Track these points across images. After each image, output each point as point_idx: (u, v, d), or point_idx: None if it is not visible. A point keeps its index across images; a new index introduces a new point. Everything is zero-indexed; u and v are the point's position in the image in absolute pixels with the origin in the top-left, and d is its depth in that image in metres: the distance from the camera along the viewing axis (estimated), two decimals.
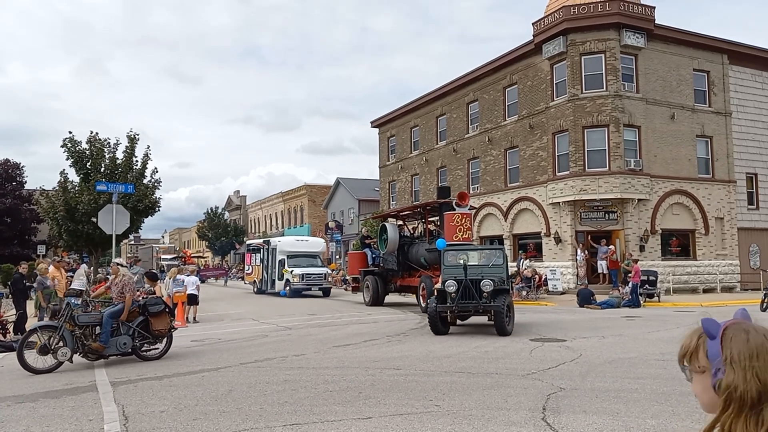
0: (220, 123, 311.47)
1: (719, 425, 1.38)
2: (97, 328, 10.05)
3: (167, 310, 10.95)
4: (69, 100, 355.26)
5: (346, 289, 32.78)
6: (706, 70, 27.23)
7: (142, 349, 10.59)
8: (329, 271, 31.66)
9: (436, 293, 13.59)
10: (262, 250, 32.70)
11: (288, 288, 28.44)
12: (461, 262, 13.99)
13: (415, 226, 24.24)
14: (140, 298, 11.01)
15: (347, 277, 34.54)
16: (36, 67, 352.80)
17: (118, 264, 11.20)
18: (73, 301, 10.21)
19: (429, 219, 21.86)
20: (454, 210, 17.71)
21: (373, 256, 23.74)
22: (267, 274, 31.53)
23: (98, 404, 7.14)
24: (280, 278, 29.44)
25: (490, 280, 12.78)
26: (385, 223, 22.59)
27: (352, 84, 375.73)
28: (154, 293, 12.07)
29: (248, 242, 41.77)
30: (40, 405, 7.23)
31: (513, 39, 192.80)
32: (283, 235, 53.07)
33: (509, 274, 16.65)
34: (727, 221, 27.27)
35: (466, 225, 17.22)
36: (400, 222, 24.11)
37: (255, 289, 33.37)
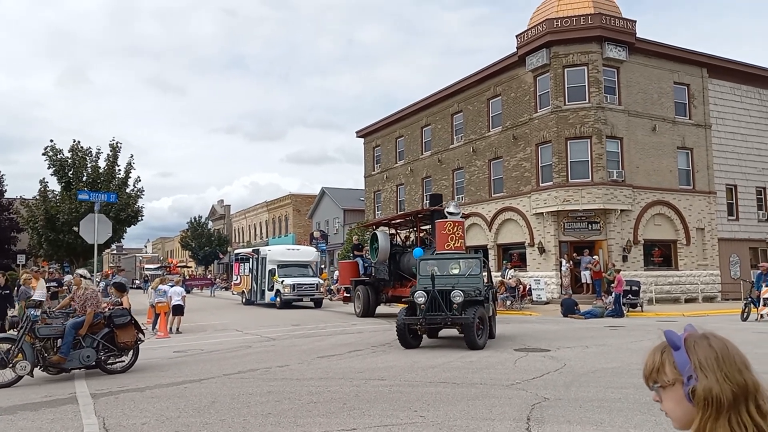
0: (204, 132, 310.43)
1: (701, 430, 1.41)
2: (59, 340, 9.65)
3: (133, 321, 10.57)
4: (52, 108, 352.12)
5: (330, 299, 32.58)
6: (686, 83, 27.69)
7: (107, 362, 10.23)
8: (321, 282, 30.81)
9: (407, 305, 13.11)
10: (251, 260, 31.86)
11: (278, 299, 27.71)
12: (441, 271, 13.75)
13: (408, 234, 23.79)
14: (106, 310, 10.60)
15: (332, 287, 34.36)
16: (19, 74, 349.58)
17: (80, 275, 10.78)
18: (32, 312, 9.72)
19: (421, 227, 21.53)
20: (446, 218, 17.27)
21: (365, 265, 23.09)
22: (256, 284, 30.72)
23: (78, 416, 7.02)
24: (270, 288, 28.72)
25: (461, 290, 12.26)
26: (377, 232, 22.05)
27: (336, 94, 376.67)
28: (121, 304, 11.71)
29: (236, 251, 40.60)
30: (19, 417, 7.10)
31: (497, 51, 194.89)
32: (267, 244, 52.77)
33: (492, 284, 16.48)
34: (707, 232, 27.64)
35: (458, 233, 16.68)
36: (392, 230, 23.73)
37: (243, 300, 32.54)
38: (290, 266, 29.19)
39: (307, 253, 32.18)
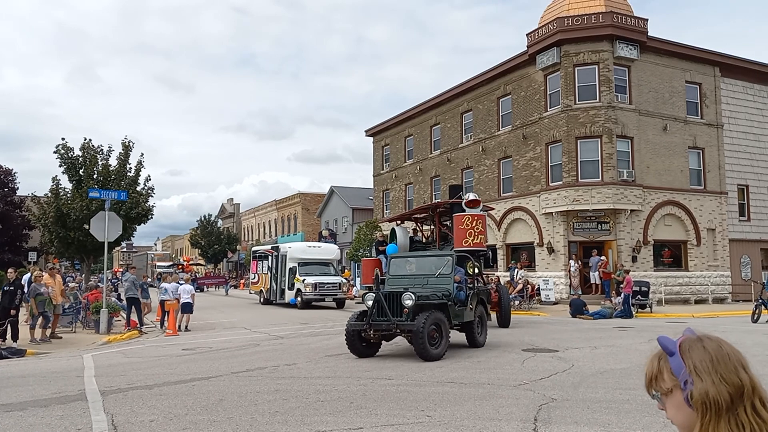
0: (213, 131, 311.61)
1: None
2: None
3: None
4: (62, 106, 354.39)
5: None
6: (698, 82, 27.47)
7: None
8: (344, 281, 29.15)
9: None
10: (270, 257, 30.66)
11: (299, 298, 26.58)
12: (408, 270, 12.92)
13: (432, 229, 22.97)
14: None
15: None
16: (30, 73, 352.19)
17: None
18: None
19: (441, 222, 20.12)
20: (464, 211, 15.77)
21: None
22: (276, 283, 29.46)
23: (87, 413, 7.07)
24: (291, 288, 27.49)
25: (412, 294, 10.95)
26: (395, 227, 20.97)
27: (345, 93, 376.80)
28: None
29: (254, 248, 39.29)
30: (28, 414, 7.16)
31: (506, 50, 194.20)
32: (276, 242, 52.83)
33: (481, 284, 15.19)
34: (718, 232, 27.42)
35: (478, 228, 15.24)
36: (413, 225, 22.97)
37: (261, 300, 31.25)
38: (311, 264, 27.95)
39: (329, 250, 30.72)
